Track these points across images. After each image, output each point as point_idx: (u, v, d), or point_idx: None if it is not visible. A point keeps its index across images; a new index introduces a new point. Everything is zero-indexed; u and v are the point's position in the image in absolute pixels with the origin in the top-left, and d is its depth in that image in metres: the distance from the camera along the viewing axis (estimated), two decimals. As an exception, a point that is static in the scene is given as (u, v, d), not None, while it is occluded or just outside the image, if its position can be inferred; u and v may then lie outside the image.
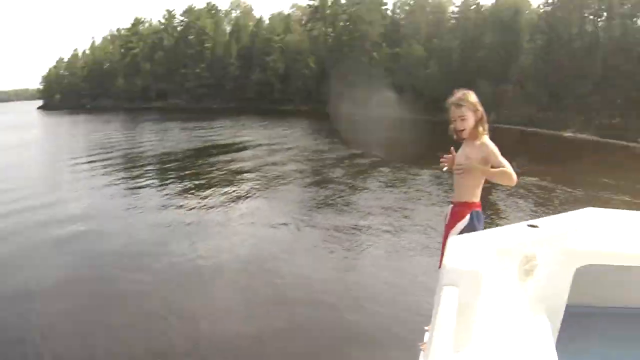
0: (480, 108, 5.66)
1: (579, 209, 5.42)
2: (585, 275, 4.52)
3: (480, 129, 5.72)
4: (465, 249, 3.90)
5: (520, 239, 4.31)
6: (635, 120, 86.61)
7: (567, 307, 4.53)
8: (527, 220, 4.72)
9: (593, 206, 5.46)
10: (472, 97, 5.71)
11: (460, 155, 5.80)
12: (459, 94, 5.72)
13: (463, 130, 5.72)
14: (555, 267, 4.46)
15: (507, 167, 5.41)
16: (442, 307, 3.22)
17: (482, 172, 5.64)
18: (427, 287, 11.85)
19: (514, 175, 5.39)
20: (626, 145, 78.75)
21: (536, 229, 4.48)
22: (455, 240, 4.24)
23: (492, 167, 5.53)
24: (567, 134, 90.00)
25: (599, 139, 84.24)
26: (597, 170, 40.90)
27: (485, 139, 5.73)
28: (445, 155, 5.90)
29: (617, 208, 5.70)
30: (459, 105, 5.70)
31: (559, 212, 5.42)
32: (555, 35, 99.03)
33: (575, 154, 61.70)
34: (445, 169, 5.94)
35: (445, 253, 3.88)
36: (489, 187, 5.63)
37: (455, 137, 5.89)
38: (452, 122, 5.82)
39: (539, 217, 4.95)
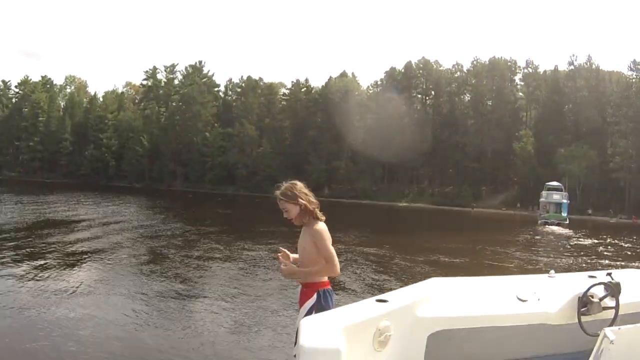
0: (302, 199, 5.52)
1: (422, 278, 5.73)
2: (438, 341, 4.76)
3: (307, 217, 5.55)
4: (319, 329, 3.89)
5: (371, 314, 4.34)
6: (468, 187, 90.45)
7: None
8: (374, 294, 5.09)
9: (436, 273, 5.88)
10: (295, 188, 5.59)
11: (299, 242, 5.66)
12: (282, 186, 5.63)
13: (290, 219, 5.61)
14: (408, 336, 4.63)
15: (330, 258, 5.32)
16: None
17: (303, 274, 5.55)
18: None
19: (336, 268, 5.43)
20: (460, 211, 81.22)
21: (386, 302, 4.55)
22: (308, 321, 4.15)
23: (320, 252, 5.40)
24: (402, 203, 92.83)
25: (433, 206, 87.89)
26: (434, 235, 41.31)
27: (319, 225, 5.53)
28: (280, 255, 5.73)
29: (460, 269, 7.19)
30: (279, 199, 5.60)
31: (401, 280, 6.74)
32: (384, 113, 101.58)
33: (412, 222, 62.22)
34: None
35: (300, 334, 3.83)
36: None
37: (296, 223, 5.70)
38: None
39: (383, 285, 6.18)
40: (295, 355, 4.28)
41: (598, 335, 4.01)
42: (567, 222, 62.04)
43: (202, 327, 13.57)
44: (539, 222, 62.75)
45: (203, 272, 22.03)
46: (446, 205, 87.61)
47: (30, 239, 29.74)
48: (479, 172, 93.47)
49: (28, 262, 23.00)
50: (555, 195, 67.54)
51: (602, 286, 5.23)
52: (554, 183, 71.53)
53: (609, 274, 5.42)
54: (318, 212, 5.57)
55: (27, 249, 26.33)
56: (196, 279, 20.41)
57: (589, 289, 5.13)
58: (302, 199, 5.48)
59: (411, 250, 30.55)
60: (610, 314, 5.08)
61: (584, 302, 5.11)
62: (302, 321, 4.20)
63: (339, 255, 5.33)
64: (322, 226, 5.48)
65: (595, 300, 5.12)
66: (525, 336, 5.10)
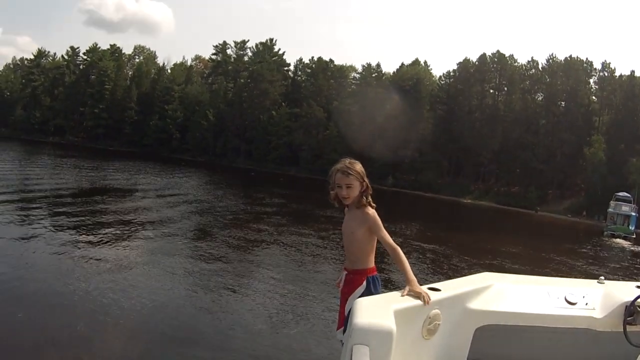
0: (366, 179, 5.31)
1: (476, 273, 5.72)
2: (484, 334, 4.86)
3: (364, 199, 5.28)
4: (373, 310, 3.99)
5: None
6: (535, 190, 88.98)
7: None
8: (425, 283, 4.86)
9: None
10: (359, 166, 5.35)
11: (346, 225, 5.45)
12: (346, 161, 5.31)
13: (347, 198, 5.28)
14: (456, 327, 4.72)
15: (393, 243, 5.14)
16: None
17: (409, 272, 5.02)
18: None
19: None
20: (524, 213, 79.92)
21: (438, 291, 4.61)
22: (362, 302, 4.25)
23: (377, 238, 5.27)
24: (466, 200, 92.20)
25: (497, 205, 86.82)
26: (495, 237, 40.85)
27: (369, 209, 5.29)
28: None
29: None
30: (346, 173, 5.21)
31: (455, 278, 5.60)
32: (455, 105, 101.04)
33: (474, 220, 61.17)
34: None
35: (354, 313, 3.96)
36: (383, 252, 5.22)
37: (336, 204, 5.44)
38: (336, 189, 5.32)
39: (436, 282, 5.10)
40: (342, 341, 4.56)
41: None
42: (634, 236, 60.17)
43: (241, 309, 13.80)
44: (605, 233, 61.01)
45: (251, 254, 22.37)
46: (511, 205, 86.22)
47: (87, 205, 30.46)
48: (546, 175, 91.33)
49: (81, 227, 23.55)
50: (624, 207, 65.92)
51: None
52: (624, 194, 69.65)
53: None
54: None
55: (83, 214, 26.99)
56: (243, 260, 20.72)
57: (636, 298, 5.17)
58: (366, 179, 5.30)
59: (471, 250, 30.22)
60: None
61: (631, 312, 5.14)
62: (356, 301, 4.36)
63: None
64: (373, 210, 5.30)
65: None
66: (570, 340, 5.16)
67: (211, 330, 12.24)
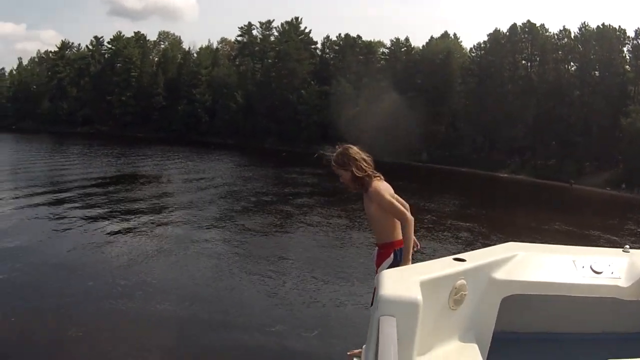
0: (352, 165, 5.70)
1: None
2: (510, 304, 4.85)
3: (360, 183, 5.74)
4: (399, 281, 3.96)
5: (449, 271, 4.42)
6: (571, 162, 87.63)
7: (495, 333, 4.82)
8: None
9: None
10: (349, 153, 5.79)
11: (364, 206, 5.91)
12: (336, 151, 5.85)
13: (345, 186, 5.87)
14: (482, 297, 4.72)
15: (399, 213, 5.54)
16: (381, 337, 3.36)
17: (407, 252, 5.52)
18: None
19: (409, 218, 5.55)
20: (561, 186, 78.93)
21: (463, 262, 4.61)
22: (387, 273, 4.19)
23: (387, 211, 5.67)
24: (503, 174, 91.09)
25: (534, 179, 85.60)
26: (532, 212, 39.89)
27: (373, 184, 5.70)
28: None
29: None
30: (331, 165, 5.83)
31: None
32: (487, 78, 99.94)
33: (510, 195, 61.18)
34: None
35: (380, 285, 3.89)
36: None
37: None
38: None
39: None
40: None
41: None
42: (680, 209, 58.93)
43: (262, 303, 14.40)
44: (648, 207, 59.63)
45: (278, 240, 23.18)
46: (548, 179, 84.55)
47: (116, 192, 31.77)
48: (582, 147, 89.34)
49: (110, 216, 23.99)
50: (667, 178, 64.54)
51: None
52: (665, 165, 68.04)
53: None
54: (371, 172, 5.71)
55: (112, 202, 27.95)
56: (269, 246, 21.61)
57: None
58: (353, 165, 5.64)
59: (510, 229, 29.77)
60: None
61: None
62: (381, 272, 4.23)
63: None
64: (376, 184, 5.63)
65: None
66: (596, 309, 5.16)
67: (227, 327, 12.61)
